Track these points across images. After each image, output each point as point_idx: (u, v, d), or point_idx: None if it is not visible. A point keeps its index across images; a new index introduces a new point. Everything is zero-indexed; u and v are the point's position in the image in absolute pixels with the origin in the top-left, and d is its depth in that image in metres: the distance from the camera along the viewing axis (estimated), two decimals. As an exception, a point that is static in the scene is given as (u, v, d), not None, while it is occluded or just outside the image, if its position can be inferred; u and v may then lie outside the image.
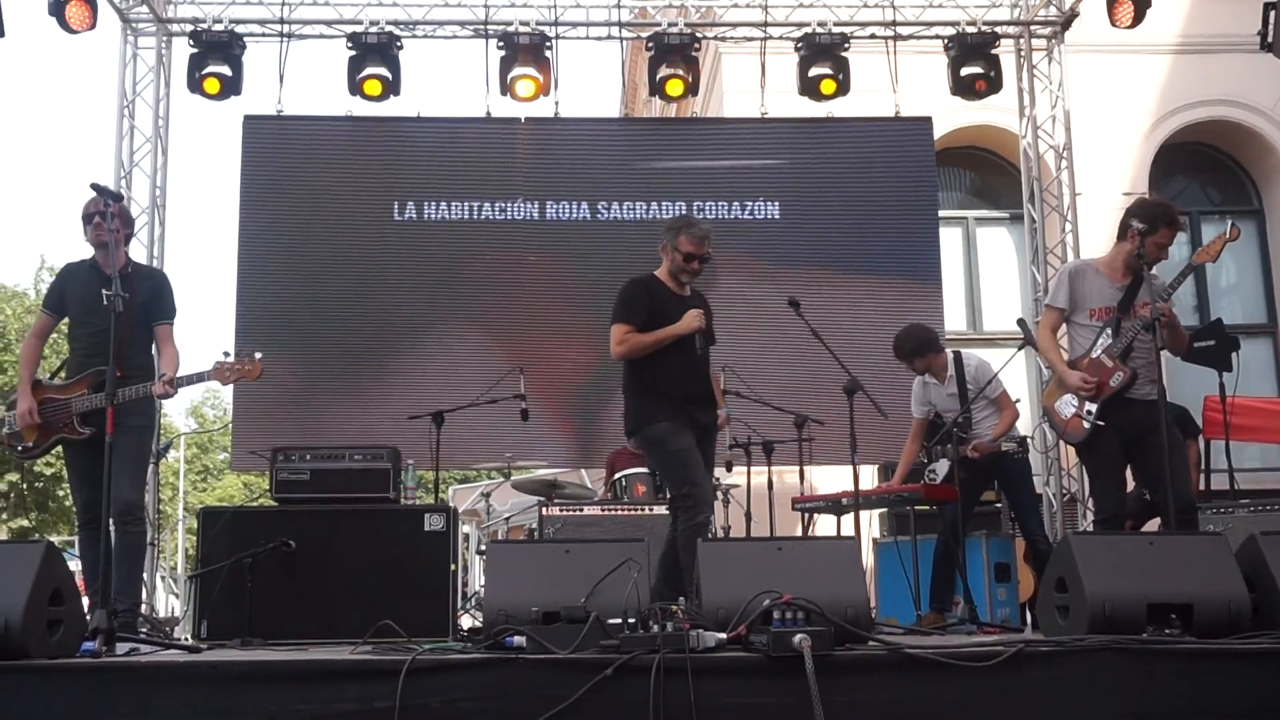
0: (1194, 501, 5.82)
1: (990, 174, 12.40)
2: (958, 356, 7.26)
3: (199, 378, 5.68)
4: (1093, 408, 5.60)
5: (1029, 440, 7.35)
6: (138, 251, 8.92)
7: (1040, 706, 3.60)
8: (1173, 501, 5.25)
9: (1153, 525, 6.27)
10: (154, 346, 5.98)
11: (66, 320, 5.99)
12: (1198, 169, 12.51)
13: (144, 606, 7.88)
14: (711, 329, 6.01)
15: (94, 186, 5.16)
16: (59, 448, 5.90)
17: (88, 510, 5.78)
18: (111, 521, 5.46)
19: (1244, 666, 3.68)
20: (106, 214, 5.30)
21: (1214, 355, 7.88)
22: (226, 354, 5.75)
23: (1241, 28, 8.35)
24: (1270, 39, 7.58)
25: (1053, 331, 5.88)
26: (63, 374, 5.98)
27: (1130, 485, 6.47)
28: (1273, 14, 7.39)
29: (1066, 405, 5.74)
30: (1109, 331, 5.66)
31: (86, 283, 5.80)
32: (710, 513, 5.79)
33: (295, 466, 6.64)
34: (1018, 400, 7.33)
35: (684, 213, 9.46)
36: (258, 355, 5.81)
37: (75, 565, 5.81)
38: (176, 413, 42.31)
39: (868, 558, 8.05)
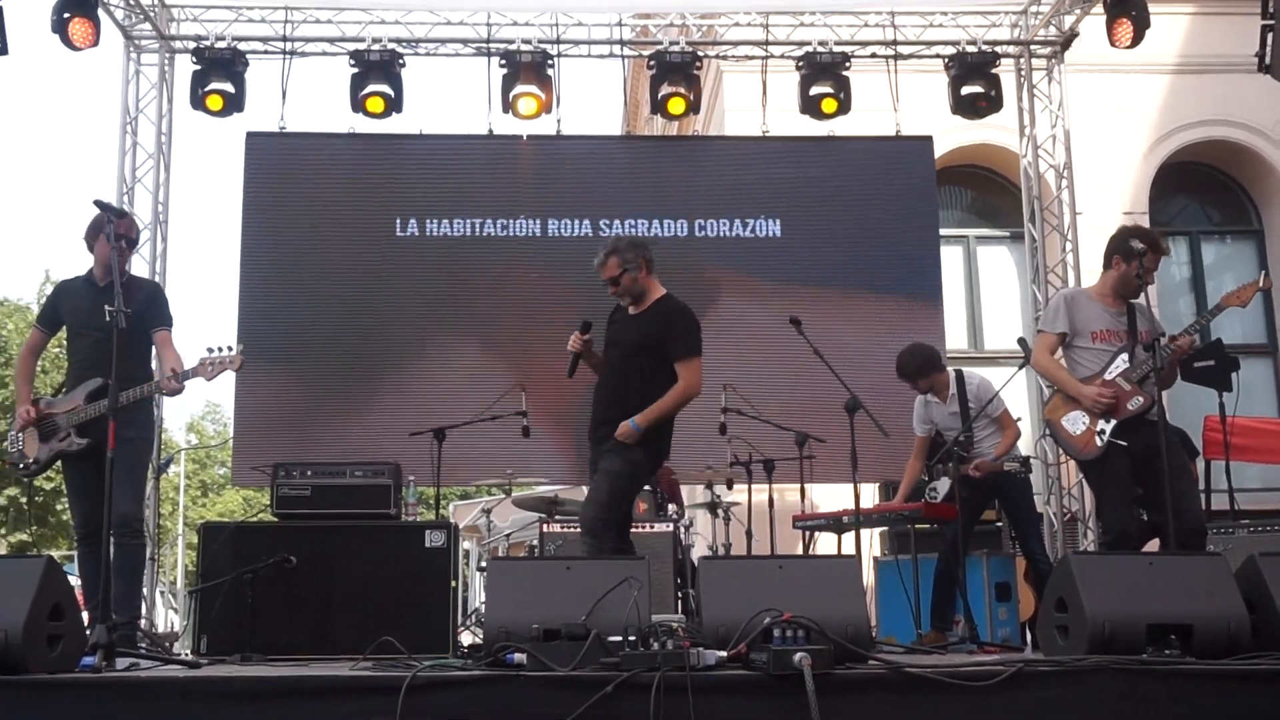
0: (1204, 524, 5.82)
1: (991, 193, 12.42)
2: (960, 375, 7.27)
3: (187, 375, 5.62)
4: (1107, 427, 5.60)
5: (1031, 459, 7.34)
6: (140, 267, 8.96)
7: (1040, 726, 3.60)
8: (1183, 523, 5.26)
9: (1152, 546, 6.25)
10: (154, 355, 6.00)
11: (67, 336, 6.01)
12: (1197, 189, 12.53)
13: (143, 621, 7.88)
14: (646, 333, 5.88)
15: (97, 203, 5.19)
16: (59, 462, 5.89)
17: (86, 524, 5.78)
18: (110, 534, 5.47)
19: (1243, 687, 3.68)
20: (109, 229, 5.33)
21: (1214, 375, 7.89)
22: (210, 350, 5.68)
23: (1240, 48, 8.38)
24: (1268, 60, 7.61)
25: (1051, 353, 5.90)
26: (64, 390, 6.00)
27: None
28: (1270, 36, 7.42)
29: (1076, 422, 5.72)
30: (1124, 357, 5.68)
31: (82, 296, 5.84)
32: (586, 535, 5.77)
33: (296, 482, 6.65)
34: (1019, 419, 7.34)
35: (685, 230, 9.53)
36: (239, 348, 5.73)
37: (75, 580, 5.81)
38: (176, 428, 42.32)
39: (868, 576, 8.04)
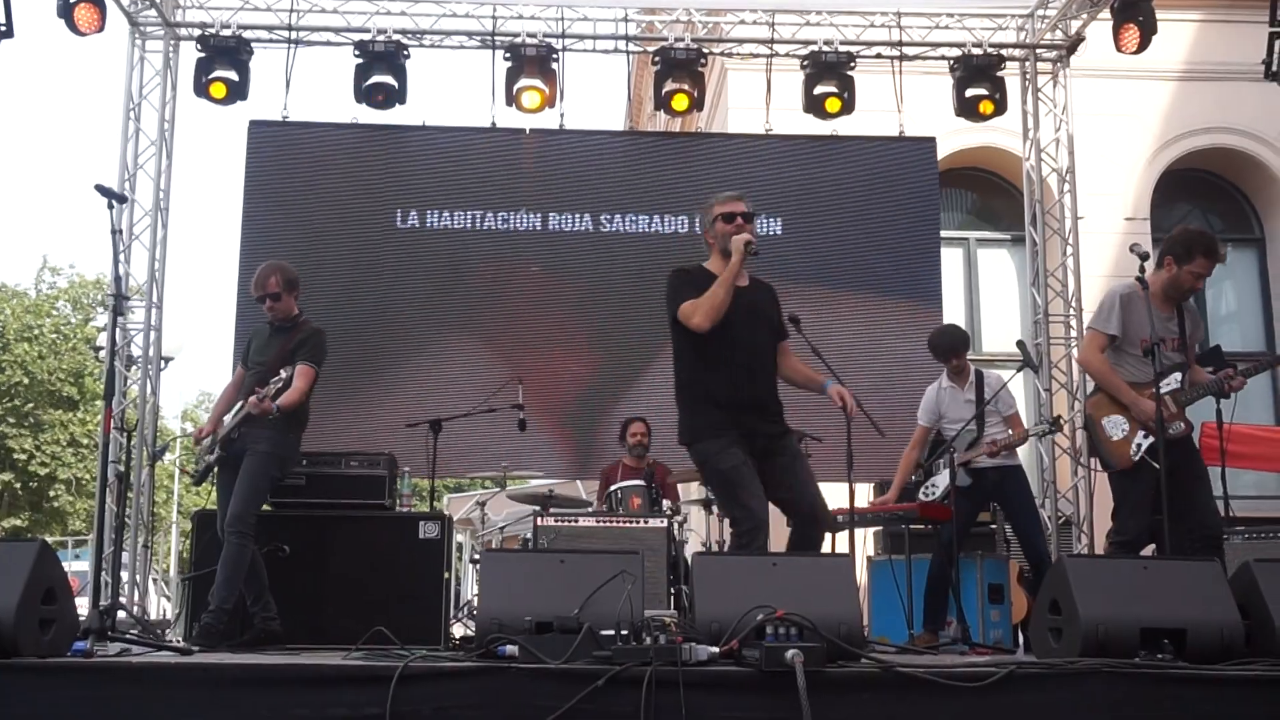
0: (1221, 533, 5.81)
1: (992, 195, 12.42)
2: (979, 372, 7.28)
3: (262, 395, 5.93)
4: (1144, 442, 5.57)
5: (1060, 421, 7.54)
6: (139, 254, 9.00)
7: (1031, 728, 3.60)
8: (1206, 530, 5.42)
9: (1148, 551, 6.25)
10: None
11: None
12: (1200, 196, 12.52)
13: (136, 608, 7.88)
14: (780, 320, 5.68)
15: (98, 188, 5.21)
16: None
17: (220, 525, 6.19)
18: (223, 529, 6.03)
19: (1236, 693, 3.68)
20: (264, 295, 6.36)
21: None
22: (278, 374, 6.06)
23: (1247, 56, 8.38)
24: (1275, 68, 7.61)
25: (1100, 352, 5.81)
26: None
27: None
28: (1278, 43, 7.42)
29: (1117, 427, 5.68)
30: (1177, 376, 5.67)
31: (262, 336, 6.50)
32: (763, 535, 5.09)
33: (292, 471, 6.65)
34: (1016, 420, 7.35)
35: (686, 227, 9.52)
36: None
37: (70, 566, 5.86)
38: (171, 416, 42.23)
39: (861, 576, 8.04)
